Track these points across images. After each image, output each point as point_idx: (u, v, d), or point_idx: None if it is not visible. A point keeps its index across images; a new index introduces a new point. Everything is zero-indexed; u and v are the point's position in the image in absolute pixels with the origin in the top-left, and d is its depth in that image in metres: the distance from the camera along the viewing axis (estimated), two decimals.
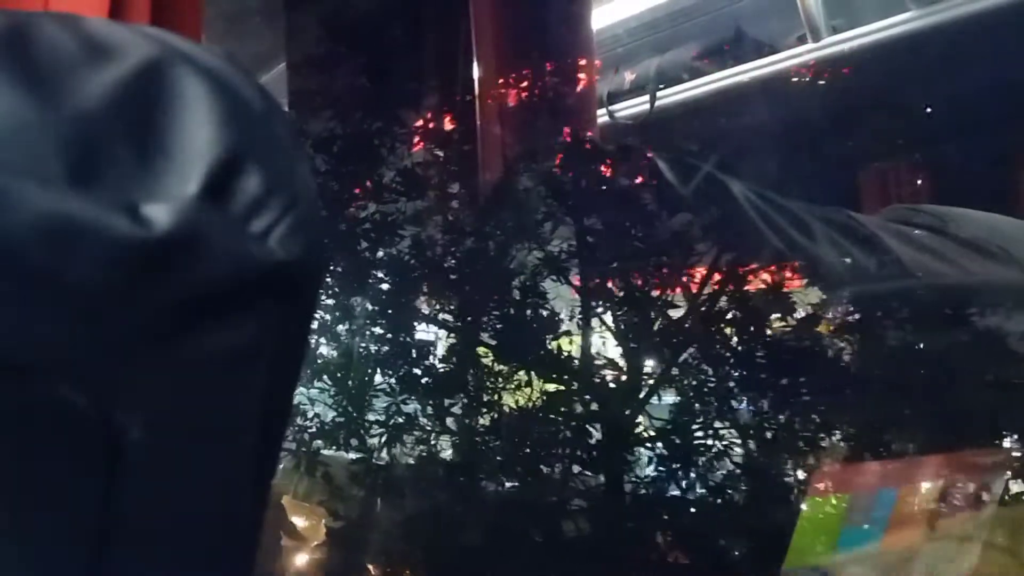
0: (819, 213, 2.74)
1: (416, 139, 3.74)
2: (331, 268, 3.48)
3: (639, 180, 3.34)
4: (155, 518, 0.29)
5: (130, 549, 0.29)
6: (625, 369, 3.31)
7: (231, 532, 0.32)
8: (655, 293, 3.27)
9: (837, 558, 1.48)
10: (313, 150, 3.49)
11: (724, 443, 3.09)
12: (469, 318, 3.46)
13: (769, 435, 3.04)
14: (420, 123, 3.78)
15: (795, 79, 4.01)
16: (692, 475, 3.11)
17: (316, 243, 0.32)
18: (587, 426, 3.24)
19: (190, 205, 0.27)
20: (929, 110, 3.60)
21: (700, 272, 3.25)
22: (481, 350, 3.45)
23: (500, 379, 3.40)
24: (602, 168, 3.38)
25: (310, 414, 3.51)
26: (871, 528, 1.53)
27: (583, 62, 3.86)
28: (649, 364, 3.32)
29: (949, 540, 1.70)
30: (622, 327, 3.32)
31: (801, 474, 2.96)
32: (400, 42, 3.89)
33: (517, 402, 3.38)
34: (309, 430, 3.46)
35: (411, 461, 3.38)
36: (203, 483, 0.30)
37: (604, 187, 3.36)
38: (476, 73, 3.76)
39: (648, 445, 3.23)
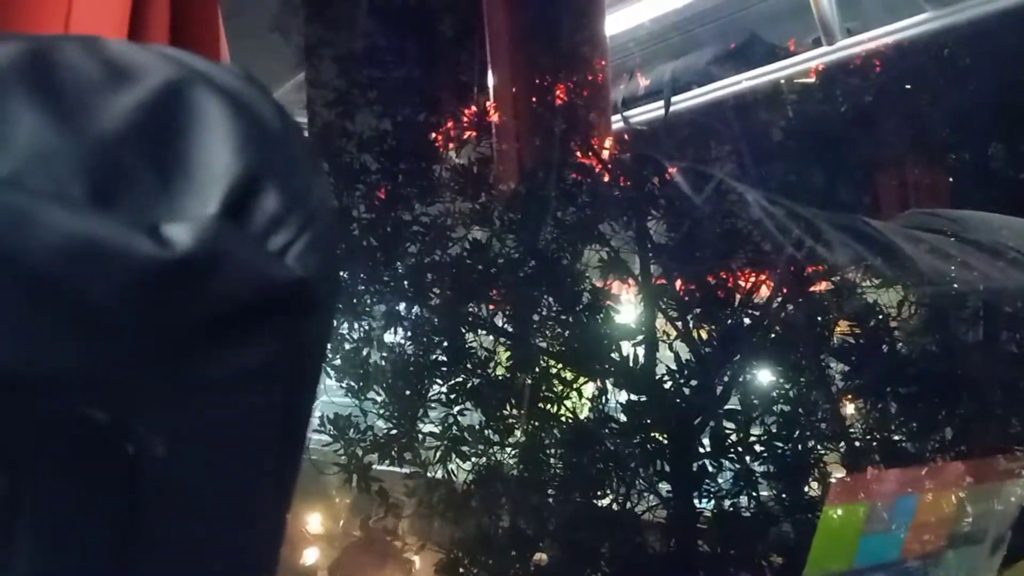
0: (832, 219, 2.71)
1: (436, 147, 3.74)
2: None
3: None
4: (177, 533, 0.30)
5: (152, 564, 0.29)
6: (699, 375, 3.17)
7: (252, 547, 0.33)
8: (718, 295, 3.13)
9: (856, 567, 1.47)
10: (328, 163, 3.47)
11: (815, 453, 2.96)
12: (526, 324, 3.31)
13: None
14: (438, 133, 3.78)
15: (809, 82, 3.98)
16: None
17: (333, 259, 0.33)
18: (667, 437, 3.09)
19: (210, 225, 0.27)
20: (946, 113, 3.57)
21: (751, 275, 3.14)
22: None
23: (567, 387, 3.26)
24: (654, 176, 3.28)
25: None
26: (891, 536, 1.51)
27: (597, 68, 3.85)
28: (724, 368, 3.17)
29: (971, 546, 1.68)
30: (692, 330, 3.17)
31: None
32: (415, 53, 3.90)
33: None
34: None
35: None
36: (224, 498, 0.31)
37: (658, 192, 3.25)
38: (491, 81, 3.77)
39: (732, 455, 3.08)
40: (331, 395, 3.52)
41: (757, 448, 3.02)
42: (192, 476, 0.29)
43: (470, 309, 3.39)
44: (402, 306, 3.48)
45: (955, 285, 2.65)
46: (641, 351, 3.23)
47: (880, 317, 2.94)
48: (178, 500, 0.29)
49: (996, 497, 1.69)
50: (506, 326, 3.41)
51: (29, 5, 0.69)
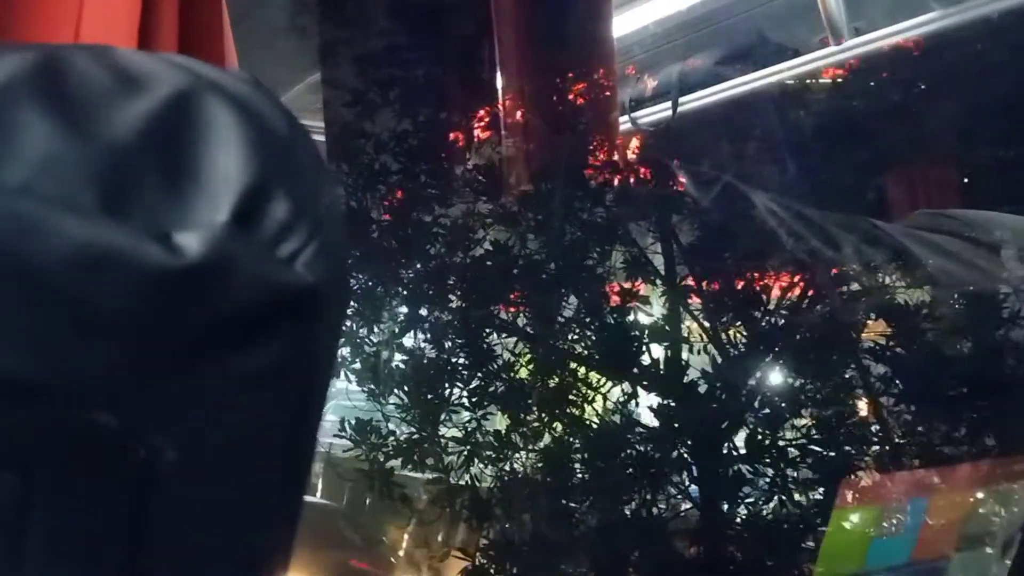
0: (842, 221, 2.69)
1: (455, 147, 3.74)
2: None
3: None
4: (186, 539, 0.30)
5: (162, 569, 0.30)
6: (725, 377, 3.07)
7: (262, 552, 0.33)
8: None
9: (867, 569, 1.46)
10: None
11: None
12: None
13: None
14: (458, 132, 3.78)
15: (816, 82, 3.98)
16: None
17: (342, 265, 0.33)
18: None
19: (220, 232, 0.28)
20: (955, 113, 3.55)
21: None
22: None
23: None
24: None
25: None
26: (901, 538, 1.51)
27: (605, 70, 3.85)
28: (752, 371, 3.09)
29: (981, 549, 1.68)
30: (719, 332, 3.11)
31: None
32: (433, 51, 3.91)
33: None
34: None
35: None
36: (234, 503, 0.31)
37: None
38: (499, 83, 3.77)
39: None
40: (352, 399, 3.50)
41: (791, 452, 2.96)
42: (202, 480, 0.30)
43: (492, 311, 3.35)
44: (423, 309, 3.45)
45: (969, 288, 2.63)
46: (669, 353, 3.18)
47: (914, 319, 2.88)
48: (188, 504, 0.29)
49: (1007, 500, 1.69)
50: (527, 328, 3.37)
51: (39, 14, 0.69)
